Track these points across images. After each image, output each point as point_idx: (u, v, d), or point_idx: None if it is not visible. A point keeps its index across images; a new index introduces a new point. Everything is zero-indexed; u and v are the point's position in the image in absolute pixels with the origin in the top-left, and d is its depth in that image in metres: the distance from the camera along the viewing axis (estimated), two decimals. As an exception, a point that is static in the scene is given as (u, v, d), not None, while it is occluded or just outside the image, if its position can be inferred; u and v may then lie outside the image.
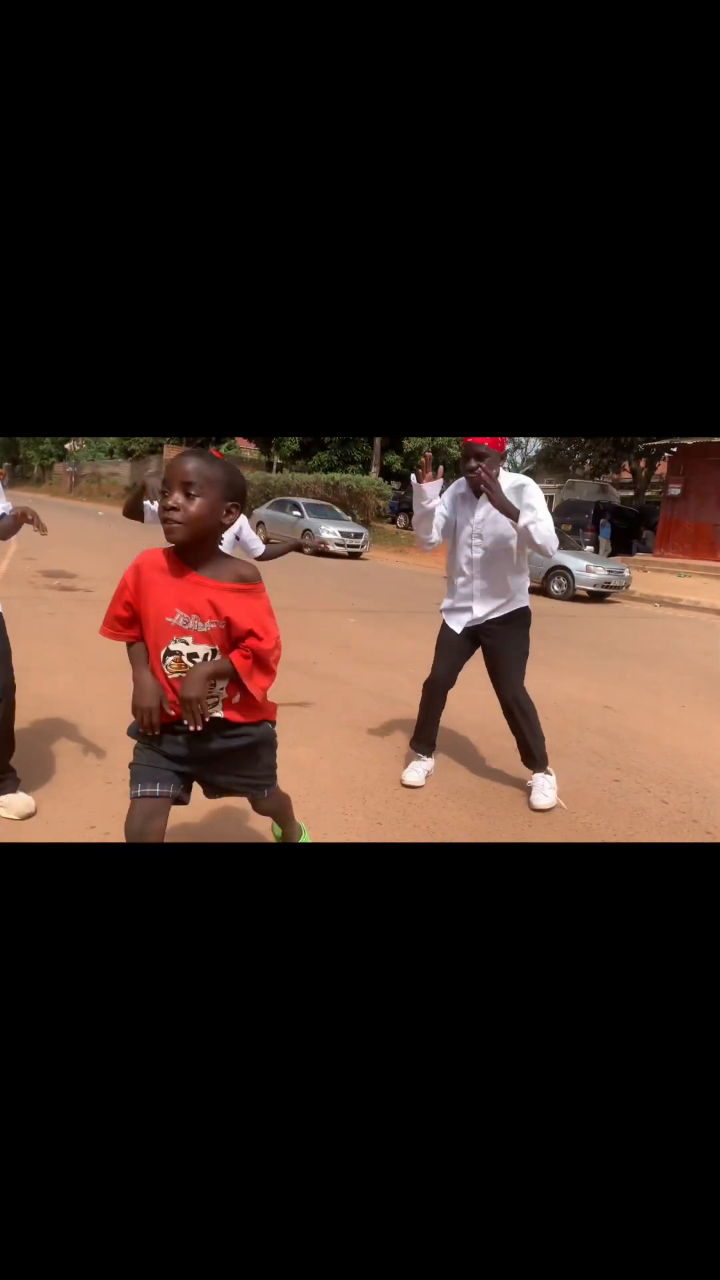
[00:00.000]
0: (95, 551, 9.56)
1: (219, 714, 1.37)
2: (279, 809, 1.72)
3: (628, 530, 17.05)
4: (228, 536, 2.74)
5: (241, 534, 2.83)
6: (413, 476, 2.54)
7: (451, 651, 2.59)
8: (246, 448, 26.74)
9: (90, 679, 3.62)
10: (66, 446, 36.56)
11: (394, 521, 19.51)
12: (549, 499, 21.57)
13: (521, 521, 2.27)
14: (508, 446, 2.71)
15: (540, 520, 2.28)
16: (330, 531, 13.51)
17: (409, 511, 18.80)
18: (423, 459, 2.47)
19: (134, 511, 2.17)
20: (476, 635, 2.57)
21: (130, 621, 1.40)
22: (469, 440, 2.35)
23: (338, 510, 15.98)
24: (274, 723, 1.52)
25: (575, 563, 10.30)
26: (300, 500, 15.28)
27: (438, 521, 2.48)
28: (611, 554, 15.35)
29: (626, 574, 10.89)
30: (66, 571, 7.34)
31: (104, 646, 4.62)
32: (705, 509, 14.78)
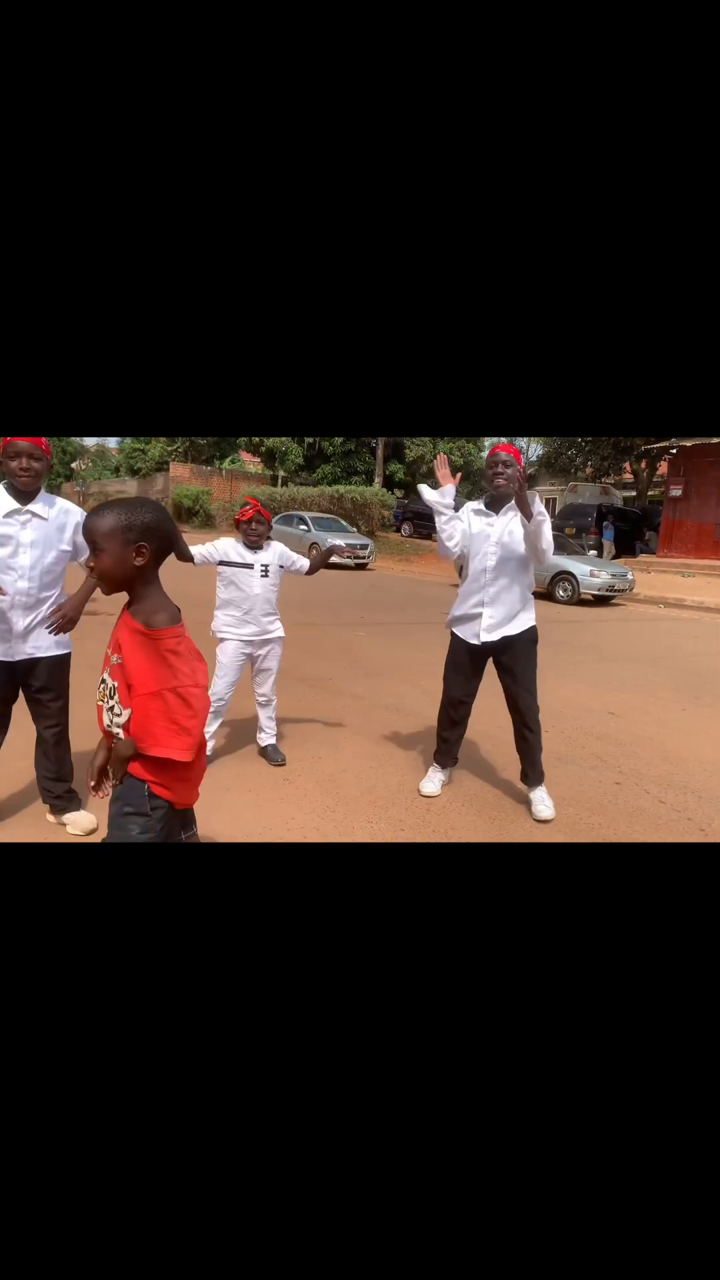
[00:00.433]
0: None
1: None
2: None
3: (631, 532, 17.24)
4: (273, 568, 2.95)
5: (285, 562, 3.04)
6: (422, 489, 2.71)
7: (464, 671, 2.75)
8: (251, 461, 27.12)
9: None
10: (73, 466, 37.17)
11: (398, 530, 19.75)
12: (551, 502, 21.78)
13: (534, 520, 2.45)
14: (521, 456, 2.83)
15: (546, 520, 2.49)
16: (336, 543, 13.84)
17: (412, 520, 18.67)
18: (438, 459, 2.62)
19: (183, 558, 2.74)
20: (488, 652, 2.73)
21: None
22: (497, 449, 2.58)
23: (342, 522, 16.27)
24: (164, 802, 1.37)
25: (579, 567, 10.50)
26: (306, 514, 15.58)
27: (458, 535, 2.64)
28: (615, 556, 15.55)
29: (630, 577, 11.07)
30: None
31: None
32: (707, 509, 14.97)
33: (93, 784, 1.39)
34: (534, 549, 2.54)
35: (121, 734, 1.33)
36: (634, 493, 21.45)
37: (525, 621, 2.69)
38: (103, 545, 1.27)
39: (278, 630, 3.03)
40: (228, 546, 2.93)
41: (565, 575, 10.51)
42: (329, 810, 2.68)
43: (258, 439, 23.25)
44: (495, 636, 2.66)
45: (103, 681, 1.37)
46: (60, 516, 2.19)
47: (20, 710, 2.32)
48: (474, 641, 2.70)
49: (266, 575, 2.94)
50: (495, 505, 2.67)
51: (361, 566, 14.16)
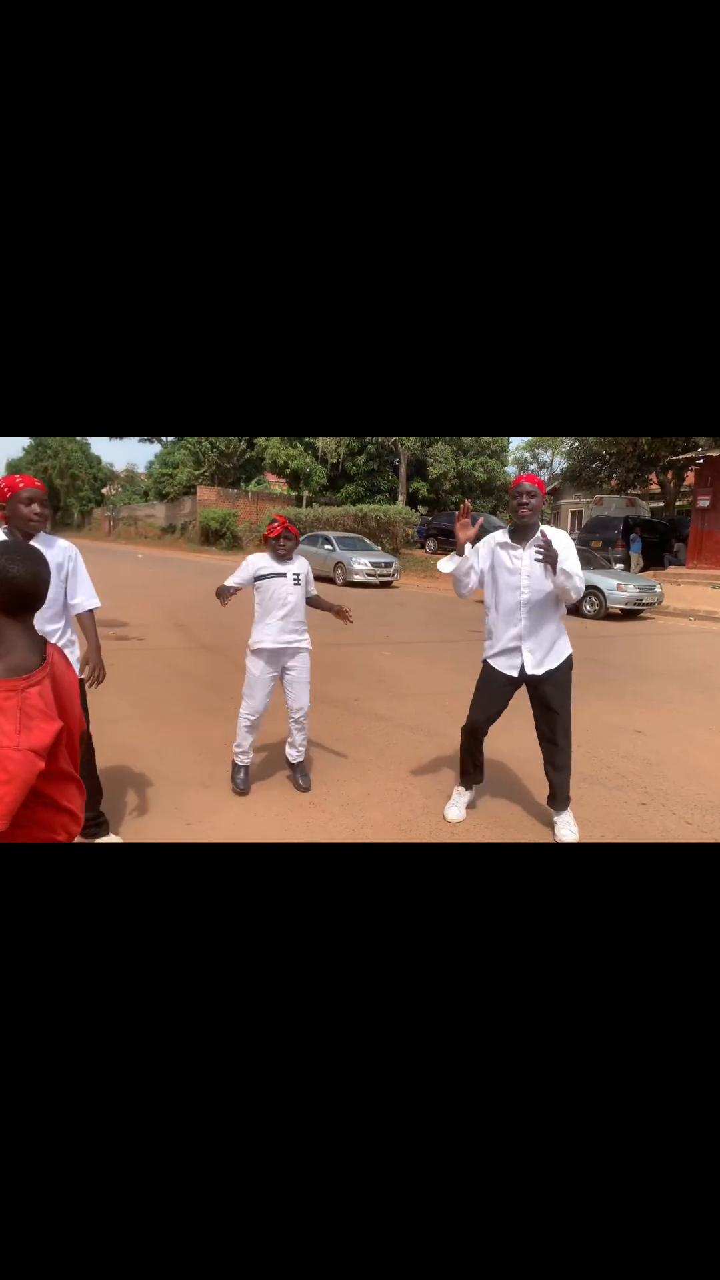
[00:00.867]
0: (140, 597, 10.09)
1: None
2: None
3: (659, 543, 17.02)
4: (304, 577, 3.04)
5: (308, 577, 3.16)
6: (441, 566, 2.73)
7: (493, 700, 2.73)
8: (276, 482, 27.57)
9: (155, 726, 3.97)
10: (104, 491, 38.22)
11: (423, 547, 19.81)
12: (577, 515, 21.59)
13: (560, 580, 2.46)
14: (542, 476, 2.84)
15: (575, 576, 2.48)
16: (361, 562, 13.95)
17: (436, 537, 18.60)
18: (462, 508, 2.65)
19: (221, 595, 3.03)
20: (523, 682, 2.69)
21: None
22: (520, 479, 2.59)
23: (367, 541, 16.40)
24: None
25: (606, 582, 10.41)
26: (331, 534, 15.75)
27: (474, 577, 2.69)
28: (643, 568, 15.37)
29: (658, 590, 10.93)
30: (119, 620, 7.83)
31: (166, 696, 4.98)
32: (735, 518, 14.75)
33: None
34: (564, 596, 2.54)
35: None
36: (661, 504, 21.20)
37: (563, 651, 2.69)
38: None
39: (306, 641, 3.12)
40: (258, 561, 3.04)
41: (592, 590, 10.42)
42: (353, 835, 2.72)
43: (282, 461, 23.63)
44: (540, 671, 2.65)
45: None
46: (58, 555, 2.25)
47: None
48: (514, 674, 2.68)
49: (299, 584, 3.04)
50: (520, 536, 2.63)
51: (386, 584, 14.24)
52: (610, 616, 10.42)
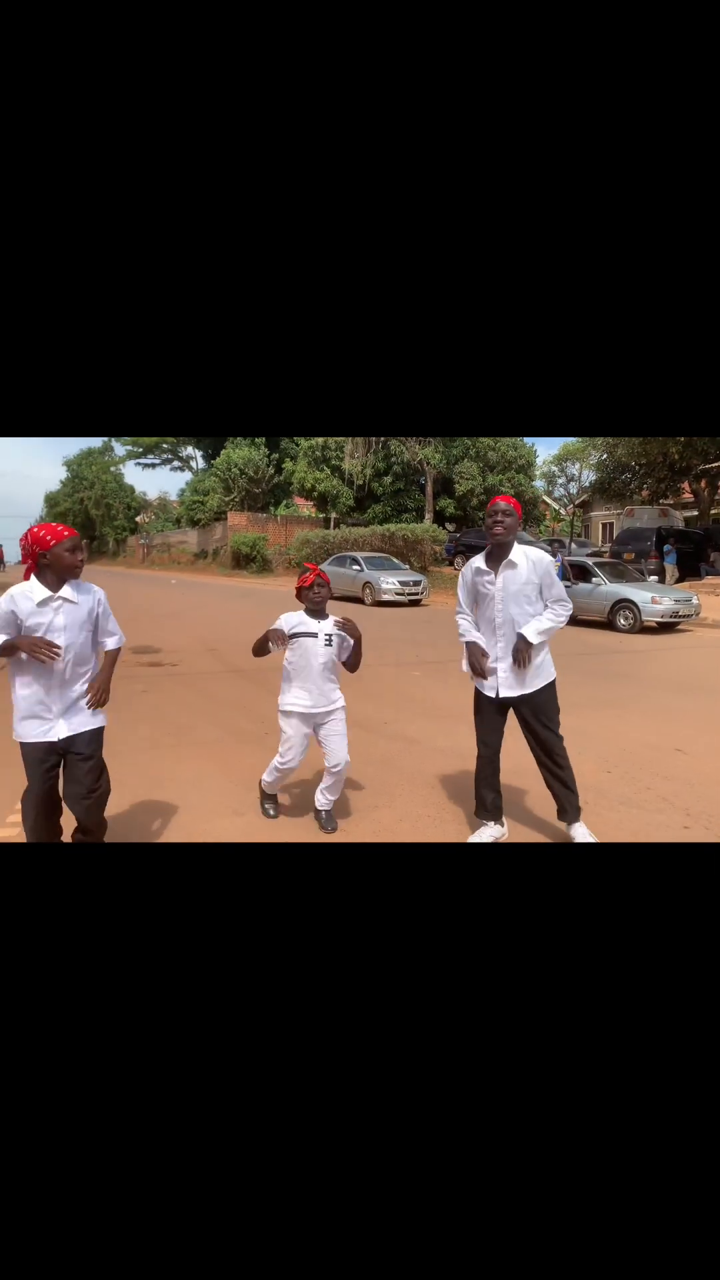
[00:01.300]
0: (175, 623, 10.25)
1: None
2: None
3: (694, 553, 16.66)
4: (335, 637, 3.00)
5: (340, 640, 3.13)
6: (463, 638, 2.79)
7: (491, 724, 2.77)
8: (304, 505, 27.93)
9: (186, 754, 4.00)
10: (138, 519, 39.20)
11: (451, 564, 19.78)
12: (608, 527, 21.29)
13: (536, 638, 2.60)
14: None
15: (551, 625, 2.61)
16: (390, 581, 13.96)
17: (465, 554, 18.71)
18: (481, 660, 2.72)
19: (260, 651, 2.87)
20: (507, 704, 2.73)
21: None
22: (496, 500, 2.64)
23: (395, 560, 16.43)
24: None
25: (640, 595, 10.21)
26: (358, 555, 15.83)
27: (468, 618, 2.79)
28: (679, 579, 15.04)
29: (695, 601, 10.67)
30: (153, 646, 7.96)
31: (199, 722, 4.99)
32: (774, 525, 14.34)
33: None
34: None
35: None
36: (695, 513, 20.80)
37: (545, 676, 2.70)
38: None
39: (340, 700, 3.06)
40: (292, 619, 2.98)
41: (626, 603, 10.23)
42: (385, 861, 2.68)
43: (309, 484, 23.93)
44: (513, 694, 2.69)
45: None
46: (88, 599, 2.31)
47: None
48: (493, 695, 2.72)
49: (330, 645, 3.00)
50: (493, 559, 2.68)
51: (415, 602, 14.22)
52: (645, 629, 10.20)
